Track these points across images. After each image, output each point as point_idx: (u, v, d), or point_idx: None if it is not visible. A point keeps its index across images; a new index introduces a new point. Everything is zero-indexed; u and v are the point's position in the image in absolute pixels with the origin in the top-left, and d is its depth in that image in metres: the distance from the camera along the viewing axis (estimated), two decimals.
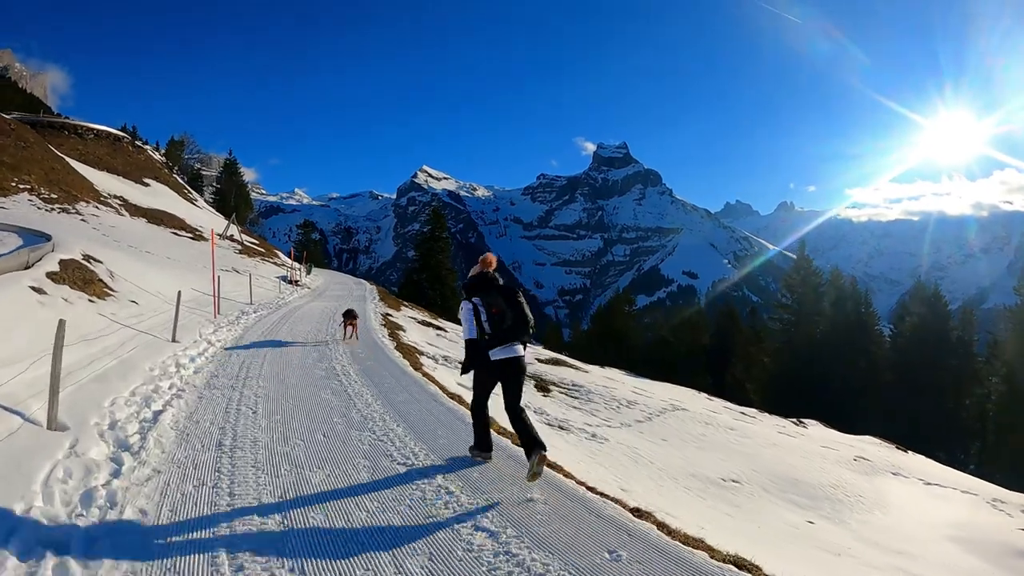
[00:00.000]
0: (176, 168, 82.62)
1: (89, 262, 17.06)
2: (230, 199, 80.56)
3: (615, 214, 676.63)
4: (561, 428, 14.16)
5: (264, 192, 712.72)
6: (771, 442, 19.86)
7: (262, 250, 53.51)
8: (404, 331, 22.40)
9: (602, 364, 36.57)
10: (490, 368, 7.02)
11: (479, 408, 7.24)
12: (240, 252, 45.21)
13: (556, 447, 10.49)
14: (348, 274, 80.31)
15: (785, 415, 29.76)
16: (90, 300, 14.35)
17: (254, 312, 22.09)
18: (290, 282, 38.00)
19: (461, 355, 15.44)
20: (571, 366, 26.74)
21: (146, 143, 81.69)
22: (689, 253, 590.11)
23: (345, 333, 17.22)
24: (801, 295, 54.55)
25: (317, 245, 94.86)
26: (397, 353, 15.58)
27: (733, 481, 14.16)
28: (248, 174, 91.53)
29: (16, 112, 68.33)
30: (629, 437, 15.60)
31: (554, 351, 37.75)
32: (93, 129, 69.79)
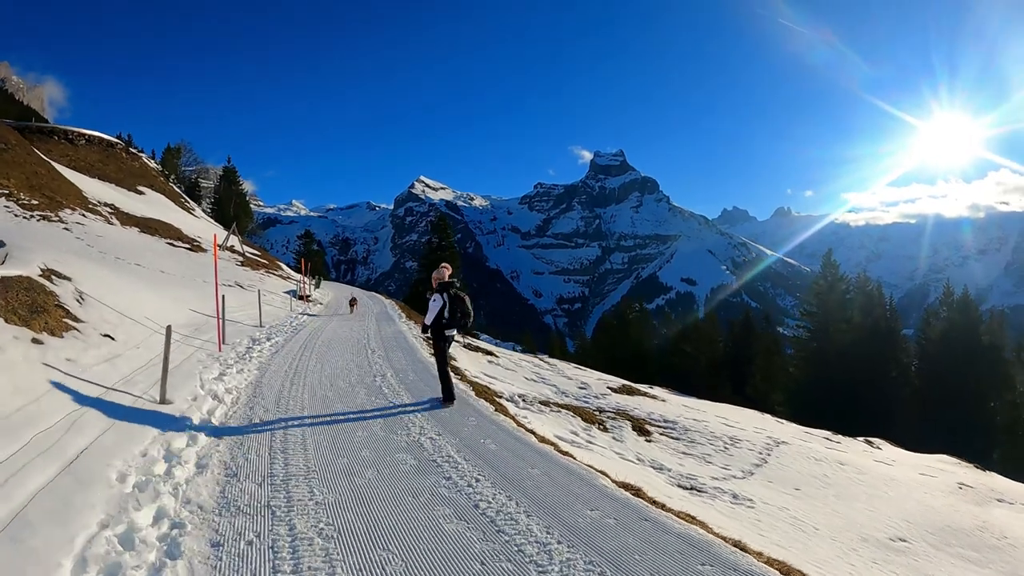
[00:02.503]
0: (173, 177, 77.10)
1: (50, 279, 12.02)
2: (229, 208, 75.22)
3: (613, 222, 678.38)
4: (695, 490, 11.54)
5: (261, 204, 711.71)
6: (885, 476, 17.31)
7: (265, 262, 48.91)
8: (455, 360, 18.21)
9: (616, 375, 32.78)
10: (446, 340, 10.99)
11: (443, 370, 11.12)
12: (242, 264, 40.68)
13: (718, 524, 8.14)
14: (348, 285, 76.03)
15: (818, 426, 27.48)
16: (35, 341, 9.17)
17: (267, 340, 17.65)
18: (300, 297, 33.93)
19: (530, 388, 17.67)
20: (643, 394, 22.92)
21: (141, 151, 76.82)
22: (687, 260, 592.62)
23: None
24: (827, 301, 51.39)
25: (319, 256, 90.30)
26: (489, 407, 11.49)
27: (900, 540, 12.02)
28: (245, 186, 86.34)
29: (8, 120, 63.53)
30: (766, 492, 12.97)
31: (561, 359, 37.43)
32: (84, 135, 64.71)
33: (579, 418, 14.58)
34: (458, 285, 10.95)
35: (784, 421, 28.03)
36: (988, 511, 15.48)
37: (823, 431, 25.72)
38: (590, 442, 12.71)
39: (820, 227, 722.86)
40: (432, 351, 12.29)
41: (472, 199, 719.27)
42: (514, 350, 56.21)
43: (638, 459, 12.50)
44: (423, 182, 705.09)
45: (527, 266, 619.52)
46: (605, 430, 14.37)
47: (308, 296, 35.38)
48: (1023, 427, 43.28)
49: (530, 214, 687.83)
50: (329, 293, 43.21)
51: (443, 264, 11.48)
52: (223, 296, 16.80)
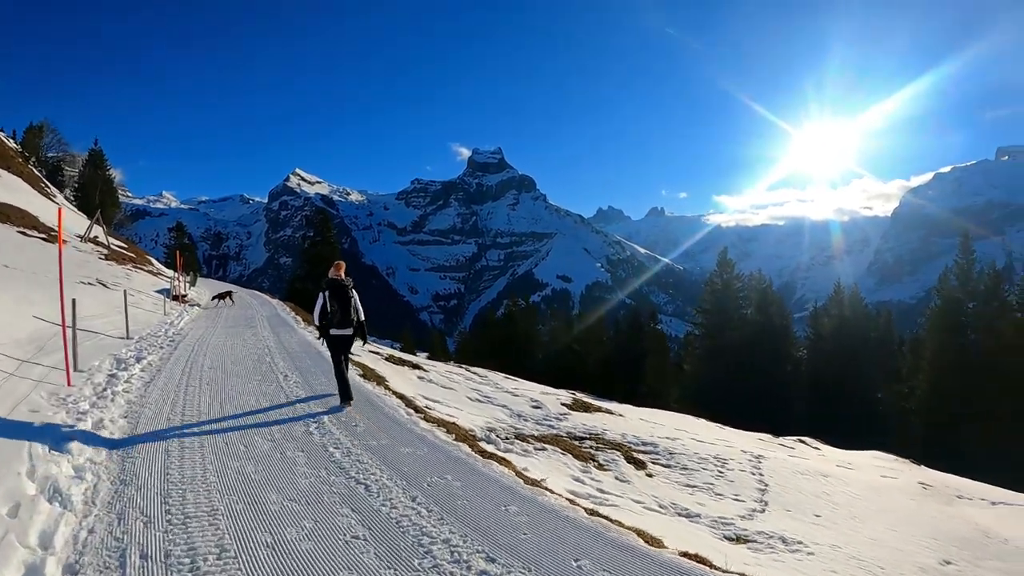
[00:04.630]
0: (33, 159, 67.85)
1: None
2: (95, 196, 65.85)
3: (489, 219, 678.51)
4: (743, 540, 9.99)
5: (130, 195, 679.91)
6: (868, 485, 16.57)
7: (132, 256, 42.87)
8: (387, 379, 14.98)
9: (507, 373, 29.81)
10: (332, 340, 10.96)
11: (336, 369, 11.07)
12: (107, 258, 34.55)
13: None
14: (220, 281, 69.76)
15: (717, 422, 26.79)
16: None
17: (137, 360, 13.16)
18: (174, 298, 28.66)
19: (485, 414, 14.87)
20: (600, 409, 19.90)
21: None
22: (563, 257, 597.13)
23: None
24: (723, 299, 52.40)
25: (191, 251, 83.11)
26: (468, 451, 8.99)
27: (947, 563, 11.36)
28: (114, 173, 76.46)
29: None
30: (798, 525, 11.66)
31: (442, 359, 38.55)
32: None
33: (569, 455, 12.45)
34: (343, 280, 10.92)
35: (723, 426, 25.56)
36: (963, 511, 15.51)
37: (753, 432, 24.16)
38: (602, 492, 10.75)
39: (693, 226, 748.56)
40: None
41: (348, 194, 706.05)
42: (392, 347, 53.53)
43: (660, 506, 10.93)
44: (299, 175, 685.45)
45: (403, 263, 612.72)
46: (603, 468, 12.47)
47: (184, 296, 30.25)
48: (910, 416, 43.54)
49: (407, 210, 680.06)
50: (206, 292, 38.06)
51: (337, 263, 11.25)
52: (73, 303, 12.25)
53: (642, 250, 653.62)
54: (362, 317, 11.03)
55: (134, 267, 36.29)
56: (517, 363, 53.40)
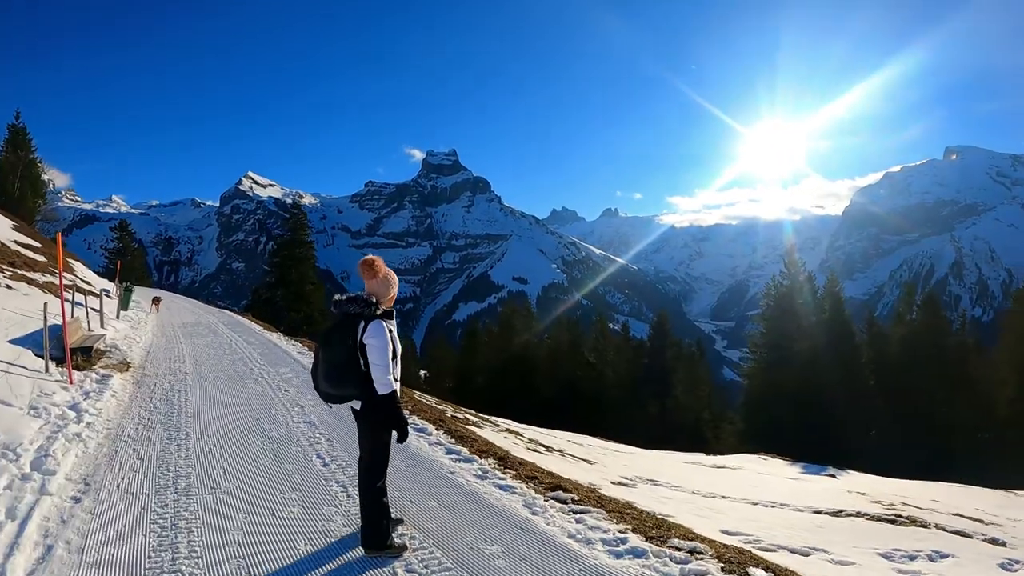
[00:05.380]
0: None
1: None
2: (13, 184, 54.45)
3: (444, 221, 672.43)
4: None
5: (79, 199, 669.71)
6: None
7: (41, 259, 30.59)
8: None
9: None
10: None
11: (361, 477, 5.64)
12: None
13: None
14: (171, 292, 59.75)
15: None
16: None
17: None
18: (77, 350, 13.42)
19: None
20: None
21: None
22: (518, 259, 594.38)
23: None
24: (791, 304, 41.93)
25: (137, 254, 73.56)
26: None
27: None
28: (62, 179, 64.79)
29: None
30: None
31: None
32: None
33: None
34: (352, 303, 5.34)
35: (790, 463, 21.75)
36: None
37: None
38: None
39: (647, 227, 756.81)
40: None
41: (302, 197, 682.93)
42: None
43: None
44: (251, 178, 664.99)
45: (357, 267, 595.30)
46: None
47: (95, 343, 14.57)
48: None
49: (361, 213, 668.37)
50: (150, 317, 26.02)
51: (366, 259, 5.52)
52: None
53: (597, 251, 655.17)
54: (386, 381, 5.19)
55: (38, 274, 25.54)
56: (523, 389, 46.70)
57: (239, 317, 30.66)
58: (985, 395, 38.21)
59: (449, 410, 14.35)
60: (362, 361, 5.19)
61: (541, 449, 11.90)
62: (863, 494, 13.08)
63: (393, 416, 5.22)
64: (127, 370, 13.70)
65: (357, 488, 5.68)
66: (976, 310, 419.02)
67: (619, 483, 10.07)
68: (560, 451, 12.52)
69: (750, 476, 15.18)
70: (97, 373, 12.45)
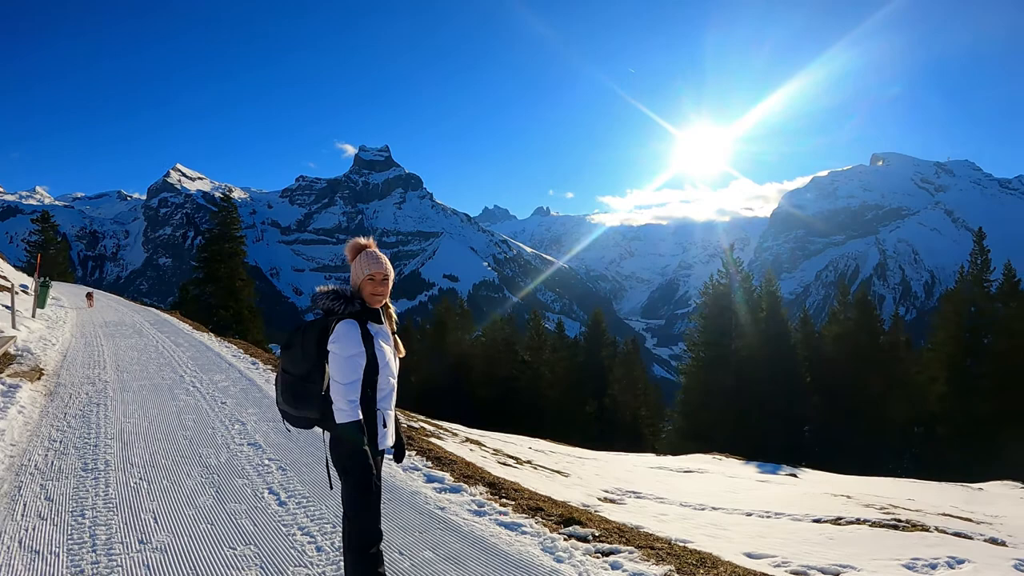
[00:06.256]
0: None
1: None
2: None
3: (375, 218, 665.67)
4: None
5: (2, 190, 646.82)
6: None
7: None
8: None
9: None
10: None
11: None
12: None
13: None
14: (96, 288, 56.88)
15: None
16: None
17: None
18: None
19: None
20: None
21: None
22: (450, 256, 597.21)
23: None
24: (728, 303, 42.76)
25: (60, 248, 71.11)
26: None
27: None
28: None
29: None
30: None
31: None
32: None
33: None
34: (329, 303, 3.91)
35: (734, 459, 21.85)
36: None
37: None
38: None
39: (578, 226, 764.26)
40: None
41: (231, 191, 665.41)
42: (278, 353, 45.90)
43: None
44: (180, 171, 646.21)
45: (287, 263, 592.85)
46: None
47: (3, 346, 14.02)
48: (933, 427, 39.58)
49: (291, 208, 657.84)
50: (68, 317, 23.63)
51: (365, 242, 4.03)
52: None
53: (528, 249, 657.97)
54: (345, 406, 3.75)
55: None
56: (458, 388, 46.12)
57: (166, 315, 28.95)
58: (916, 391, 39.04)
59: (402, 417, 13.53)
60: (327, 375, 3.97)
61: (511, 462, 11.18)
62: (849, 497, 12.97)
63: (339, 454, 3.85)
64: (39, 378, 12.12)
65: (329, 538, 4.85)
66: (900, 310, 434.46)
67: (607, 499, 9.52)
68: (529, 462, 11.89)
69: (721, 480, 14.78)
70: (3, 384, 10.84)
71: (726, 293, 42.25)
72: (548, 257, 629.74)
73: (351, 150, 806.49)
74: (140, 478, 7.14)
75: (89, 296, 29.95)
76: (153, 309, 34.96)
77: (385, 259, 4.00)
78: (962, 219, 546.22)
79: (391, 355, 4.03)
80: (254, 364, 15.67)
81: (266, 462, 7.90)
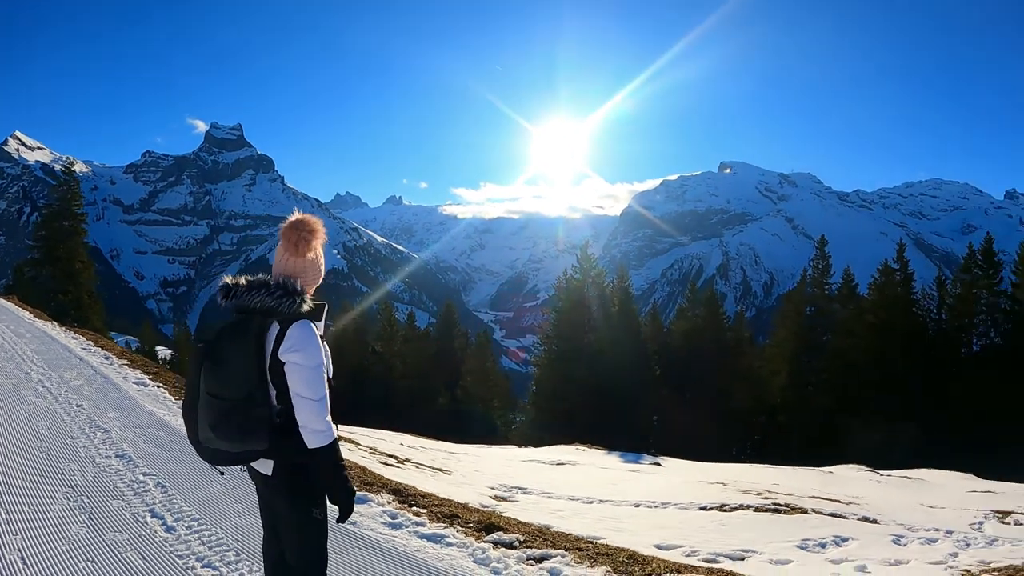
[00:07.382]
0: None
1: None
2: None
3: (223, 199, 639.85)
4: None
5: None
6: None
7: None
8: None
9: None
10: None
11: None
12: None
13: None
14: None
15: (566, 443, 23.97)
16: None
17: None
18: None
19: None
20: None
21: None
22: None
23: None
24: (582, 298, 43.58)
25: None
26: None
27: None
28: None
29: None
30: None
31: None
32: None
33: None
34: (251, 291, 3.24)
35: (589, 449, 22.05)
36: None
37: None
38: None
39: (430, 216, 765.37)
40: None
41: (73, 163, 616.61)
42: (129, 346, 45.01)
43: None
44: (19, 139, 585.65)
45: (129, 244, 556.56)
46: None
47: None
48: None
49: (135, 185, 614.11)
50: None
51: (307, 223, 3.41)
52: None
53: (379, 238, 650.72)
54: (323, 427, 3.18)
55: None
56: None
57: (2, 300, 27.00)
58: (759, 383, 41.42)
59: None
60: (273, 392, 3.23)
61: (392, 461, 10.78)
62: (724, 484, 13.43)
63: (334, 482, 3.24)
64: None
65: (235, 569, 4.26)
66: (742, 307, 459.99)
67: (500, 498, 9.36)
68: (408, 460, 11.60)
69: (596, 472, 14.93)
70: None
71: (580, 288, 43.01)
72: (399, 247, 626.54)
73: (202, 126, 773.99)
74: None
75: None
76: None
77: None
78: (802, 227, 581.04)
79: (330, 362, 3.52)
80: (107, 359, 14.52)
81: (141, 478, 6.96)
